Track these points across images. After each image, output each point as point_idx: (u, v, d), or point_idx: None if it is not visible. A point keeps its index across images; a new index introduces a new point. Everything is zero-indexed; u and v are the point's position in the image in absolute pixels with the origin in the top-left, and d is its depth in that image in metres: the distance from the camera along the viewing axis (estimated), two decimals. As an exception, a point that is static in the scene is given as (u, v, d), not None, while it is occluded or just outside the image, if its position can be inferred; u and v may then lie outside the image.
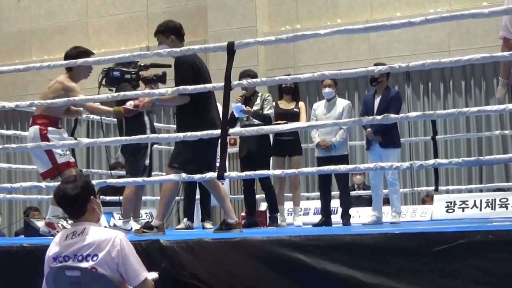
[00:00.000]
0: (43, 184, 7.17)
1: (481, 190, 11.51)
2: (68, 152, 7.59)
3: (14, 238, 10.38)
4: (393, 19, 6.67)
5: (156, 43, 14.48)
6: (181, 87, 6.85)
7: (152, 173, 8.67)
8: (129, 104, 7.43)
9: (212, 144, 7.10)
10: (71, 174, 6.66)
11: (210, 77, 7.45)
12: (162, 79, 8.34)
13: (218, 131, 6.65)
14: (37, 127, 7.39)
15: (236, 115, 8.65)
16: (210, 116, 7.20)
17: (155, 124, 8.97)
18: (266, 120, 8.73)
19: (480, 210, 10.18)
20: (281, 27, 14.85)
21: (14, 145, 7.57)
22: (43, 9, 16.89)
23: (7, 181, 15.34)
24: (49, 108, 7.33)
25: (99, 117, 8.86)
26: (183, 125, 7.19)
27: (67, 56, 7.60)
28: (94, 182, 5.88)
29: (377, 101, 8.65)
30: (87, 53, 7.65)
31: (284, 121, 8.50)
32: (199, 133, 6.72)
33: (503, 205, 10.02)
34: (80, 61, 7.27)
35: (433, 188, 10.95)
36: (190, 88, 6.76)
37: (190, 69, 7.17)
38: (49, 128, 7.42)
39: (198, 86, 6.77)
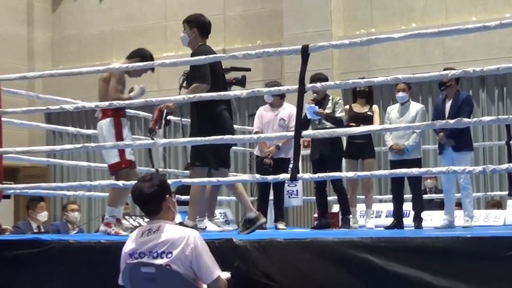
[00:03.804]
0: (120, 182, 7.25)
1: (557, 195, 11.31)
2: (133, 152, 7.67)
3: (93, 234, 10.54)
4: (468, 24, 6.59)
5: (232, 46, 14.66)
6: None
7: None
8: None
9: (224, 133, 7.11)
10: (146, 174, 6.73)
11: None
12: (242, 82, 8.34)
13: (292, 133, 6.66)
14: (110, 119, 7.50)
15: (309, 117, 8.63)
16: (218, 108, 7.28)
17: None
18: (338, 122, 8.70)
19: (556, 214, 10.03)
20: (356, 31, 14.80)
21: (93, 144, 7.68)
22: (124, 11, 17.14)
23: (87, 179, 15.61)
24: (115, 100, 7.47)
25: (177, 118, 8.94)
26: (197, 114, 7.30)
27: (136, 50, 7.77)
28: (170, 181, 5.93)
29: (447, 105, 8.55)
30: (151, 58, 7.78)
31: (357, 124, 8.48)
32: (272, 135, 6.72)
33: None
34: (158, 62, 7.35)
35: (506, 192, 10.81)
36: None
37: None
38: (122, 119, 7.57)
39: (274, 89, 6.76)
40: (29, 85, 15.42)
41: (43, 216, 10.84)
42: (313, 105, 8.67)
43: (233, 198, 13.29)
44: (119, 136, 7.45)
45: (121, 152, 7.46)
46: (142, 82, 7.77)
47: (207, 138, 6.96)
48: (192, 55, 7.34)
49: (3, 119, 8.20)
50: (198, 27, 7.48)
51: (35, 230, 10.44)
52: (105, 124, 7.50)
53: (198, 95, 6.97)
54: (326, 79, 8.73)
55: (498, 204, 11.72)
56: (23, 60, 17.53)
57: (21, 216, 13.32)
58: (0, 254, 6.74)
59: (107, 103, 7.36)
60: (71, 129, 11.03)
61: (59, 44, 18.26)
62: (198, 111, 7.28)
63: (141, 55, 7.74)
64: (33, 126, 12.16)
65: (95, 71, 7.89)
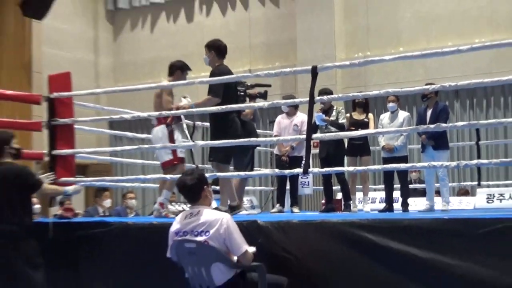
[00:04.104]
0: (168, 176, 7.28)
1: (516, 185, 11.26)
2: (184, 150, 7.65)
3: (147, 217, 10.58)
4: (445, 47, 6.54)
5: (256, 67, 14.65)
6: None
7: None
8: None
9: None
10: (188, 169, 6.76)
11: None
12: (264, 96, 8.33)
13: (304, 137, 6.65)
14: (164, 125, 7.44)
15: (317, 123, 8.61)
16: (230, 116, 7.21)
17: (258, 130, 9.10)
18: (341, 128, 8.66)
19: (515, 201, 9.97)
20: (355, 54, 14.77)
21: (146, 146, 7.71)
22: (170, 41, 17.19)
23: (141, 173, 15.65)
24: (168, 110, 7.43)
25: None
26: (214, 121, 7.26)
27: (172, 65, 7.72)
28: (207, 175, 5.94)
29: (428, 113, 8.49)
30: (187, 67, 7.73)
31: (356, 129, 8.46)
32: (288, 138, 6.69)
33: (534, 198, 9.79)
34: (197, 81, 7.36)
35: (476, 183, 10.75)
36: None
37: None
38: (173, 125, 7.50)
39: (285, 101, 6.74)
40: (96, 99, 15.47)
41: (107, 203, 10.91)
42: (321, 113, 8.66)
43: (258, 187, 13.36)
44: (171, 139, 7.45)
45: (173, 152, 7.45)
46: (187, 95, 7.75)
47: (236, 140, 6.97)
48: (211, 73, 7.32)
49: (75, 126, 8.26)
50: (215, 50, 7.46)
51: (101, 214, 10.52)
52: (161, 129, 7.48)
53: (229, 106, 6.96)
54: (331, 93, 8.70)
55: (466, 192, 11.69)
56: (91, 80, 17.62)
57: (90, 203, 13.37)
58: (75, 233, 6.79)
59: (156, 113, 7.39)
60: (129, 134, 11.09)
61: (119, 67, 18.36)
62: (214, 118, 7.25)
63: (179, 67, 7.70)
64: (99, 132, 12.22)
65: (147, 88, 7.94)
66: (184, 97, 7.50)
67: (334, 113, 8.84)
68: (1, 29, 16.07)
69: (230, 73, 7.29)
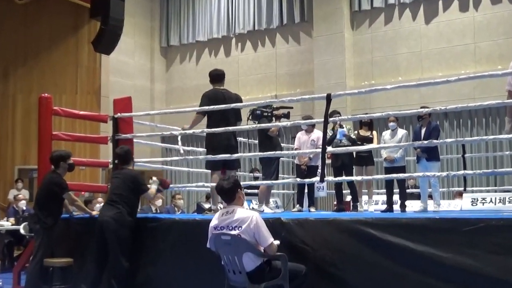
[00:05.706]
0: (209, 184, 7.27)
1: (495, 191, 11.11)
2: None
3: (191, 214, 10.60)
4: (436, 78, 6.49)
5: (281, 92, 14.57)
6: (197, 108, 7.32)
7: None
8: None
9: (222, 151, 7.17)
10: (226, 175, 6.76)
11: (228, 101, 7.37)
12: (287, 116, 8.31)
13: (319, 150, 6.61)
14: None
15: (338, 137, 8.50)
16: (220, 126, 7.20)
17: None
18: (353, 142, 8.60)
19: (495, 204, 9.82)
20: (362, 83, 14.73)
21: (191, 157, 7.74)
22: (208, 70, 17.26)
23: (187, 179, 15.73)
24: None
25: (245, 139, 8.96)
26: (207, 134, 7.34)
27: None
28: (242, 183, 5.94)
29: (423, 131, 8.40)
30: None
31: (362, 143, 8.41)
32: (307, 151, 6.63)
33: (511, 201, 9.64)
34: (240, 105, 7.30)
35: (462, 189, 10.61)
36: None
37: (206, 99, 7.36)
38: None
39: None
40: (151, 118, 15.58)
41: (159, 202, 10.95)
42: (343, 129, 8.61)
43: (282, 191, 13.31)
44: None
45: None
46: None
47: (267, 153, 6.93)
48: (203, 94, 7.51)
49: (134, 140, 8.31)
50: (211, 78, 7.74)
51: (154, 212, 10.55)
52: None
53: (259, 125, 6.94)
54: (340, 114, 8.65)
55: (461, 194, 11.51)
56: (147, 103, 17.79)
57: (146, 202, 13.45)
58: (135, 226, 6.81)
59: (199, 130, 7.38)
60: (177, 146, 11.09)
61: (170, 92, 18.50)
62: (207, 135, 7.40)
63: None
64: (153, 145, 12.29)
65: (193, 110, 7.93)
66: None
67: (346, 129, 8.80)
68: (78, 62, 16.34)
69: (213, 96, 7.39)
